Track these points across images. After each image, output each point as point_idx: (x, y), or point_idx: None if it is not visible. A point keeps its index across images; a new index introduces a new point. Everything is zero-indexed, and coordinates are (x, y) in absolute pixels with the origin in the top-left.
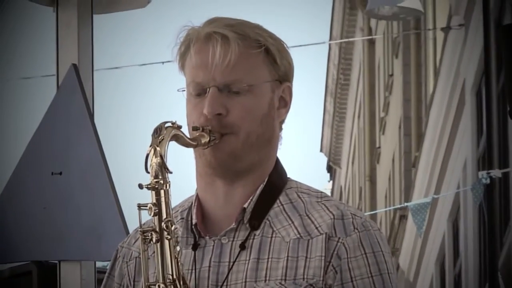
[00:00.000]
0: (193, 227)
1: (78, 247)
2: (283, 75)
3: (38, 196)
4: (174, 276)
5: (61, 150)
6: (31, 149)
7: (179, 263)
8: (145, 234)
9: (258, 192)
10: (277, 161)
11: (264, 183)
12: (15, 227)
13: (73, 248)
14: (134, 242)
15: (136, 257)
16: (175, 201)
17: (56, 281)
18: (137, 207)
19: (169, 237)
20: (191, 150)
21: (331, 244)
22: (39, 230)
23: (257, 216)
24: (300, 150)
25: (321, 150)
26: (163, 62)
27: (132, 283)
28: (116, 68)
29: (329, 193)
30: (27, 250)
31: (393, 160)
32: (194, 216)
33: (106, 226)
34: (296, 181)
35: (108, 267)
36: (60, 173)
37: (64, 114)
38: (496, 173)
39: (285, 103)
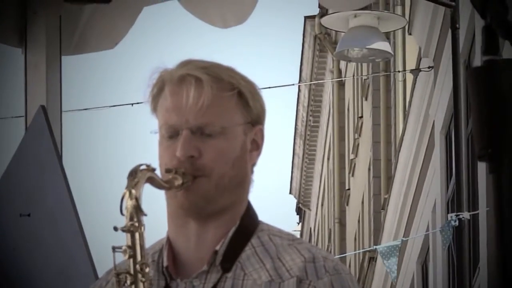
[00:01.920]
0: (164, 269)
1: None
2: (255, 118)
3: (6, 238)
4: None
5: (29, 192)
6: None
7: None
8: (119, 277)
9: (230, 234)
10: (249, 204)
11: (236, 226)
12: None
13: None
14: (105, 285)
15: None
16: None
17: None
18: (111, 249)
19: (143, 279)
20: (162, 192)
21: (302, 287)
22: (6, 272)
23: (229, 258)
24: (270, 192)
25: (290, 192)
26: (132, 104)
27: None
28: (85, 109)
29: (298, 235)
30: None
31: (362, 202)
32: (165, 259)
33: (74, 269)
34: (267, 224)
35: None
36: (29, 215)
37: (32, 156)
38: (465, 215)
39: (257, 146)
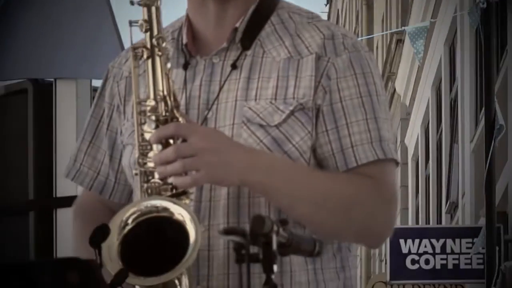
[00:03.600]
0: (183, 47)
1: (74, 65)
2: None
3: (35, 15)
4: (165, 92)
5: None
6: None
7: (170, 80)
8: (136, 51)
9: (249, 12)
10: None
11: (256, 3)
12: (11, 44)
13: (69, 66)
14: (125, 62)
15: (126, 77)
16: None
17: (52, 99)
18: (128, 24)
19: (160, 53)
20: None
21: (321, 64)
22: (35, 47)
23: (249, 36)
24: None
25: None
26: None
27: (122, 102)
28: None
29: (325, 17)
30: (23, 68)
31: None
32: (184, 36)
33: (102, 45)
34: (287, 2)
35: (99, 87)
36: None
37: None
38: None
39: None
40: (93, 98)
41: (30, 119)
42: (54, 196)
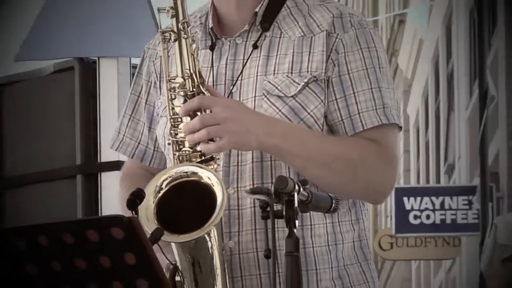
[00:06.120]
0: (210, 30)
1: (115, 45)
2: None
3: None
4: (191, 71)
5: None
6: None
7: (195, 59)
8: (164, 34)
9: None
10: None
11: None
12: (59, 26)
13: (110, 45)
14: (159, 43)
15: (160, 56)
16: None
17: (96, 75)
18: (157, 10)
19: (185, 36)
20: None
21: (330, 40)
22: (81, 29)
23: (268, 19)
24: None
25: None
26: None
27: (158, 79)
28: None
29: None
30: (70, 48)
31: None
32: (210, 21)
33: (140, 26)
34: None
35: (137, 66)
36: None
37: None
38: None
39: None
40: (133, 74)
41: (77, 93)
42: (98, 161)
